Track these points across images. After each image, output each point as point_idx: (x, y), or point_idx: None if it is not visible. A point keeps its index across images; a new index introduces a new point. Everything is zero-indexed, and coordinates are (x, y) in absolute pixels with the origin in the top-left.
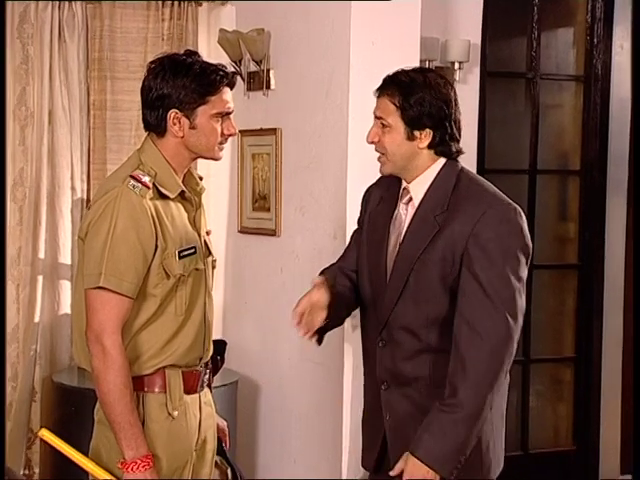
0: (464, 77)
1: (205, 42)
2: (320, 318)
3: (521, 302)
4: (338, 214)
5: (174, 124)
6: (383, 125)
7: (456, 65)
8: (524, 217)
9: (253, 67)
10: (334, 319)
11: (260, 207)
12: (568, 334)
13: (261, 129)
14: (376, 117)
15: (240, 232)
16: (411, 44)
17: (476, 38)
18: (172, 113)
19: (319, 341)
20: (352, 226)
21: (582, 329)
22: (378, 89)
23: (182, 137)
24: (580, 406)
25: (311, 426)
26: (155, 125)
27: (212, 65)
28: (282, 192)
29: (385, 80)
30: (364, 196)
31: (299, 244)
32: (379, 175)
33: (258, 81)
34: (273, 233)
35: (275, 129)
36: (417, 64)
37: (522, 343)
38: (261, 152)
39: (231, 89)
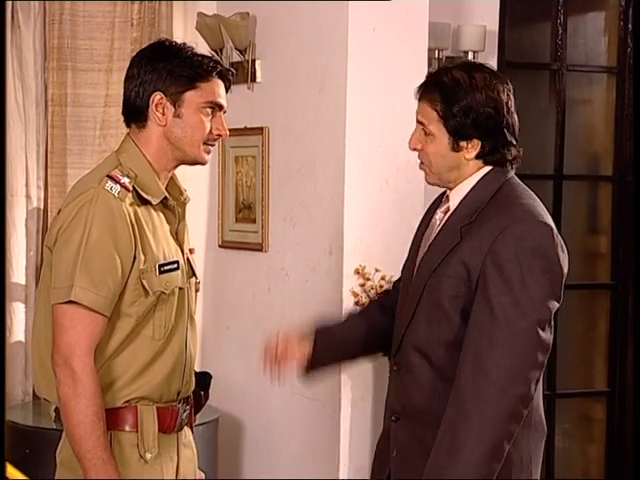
0: None
1: (181, 28)
2: (298, 353)
3: (545, 336)
4: (334, 226)
5: (157, 109)
6: (425, 132)
7: (470, 55)
8: (558, 237)
9: (236, 57)
10: (331, 354)
11: (244, 218)
12: (599, 364)
13: (245, 128)
14: (418, 122)
15: (221, 247)
16: (418, 30)
17: (493, 24)
18: (156, 96)
19: (307, 373)
20: (350, 239)
21: (616, 359)
22: (418, 90)
23: (164, 126)
24: (613, 447)
25: (303, 470)
26: (136, 112)
27: (205, 55)
28: (269, 201)
29: (426, 80)
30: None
31: (289, 260)
32: (381, 181)
33: (242, 73)
34: (259, 248)
35: (261, 128)
36: (425, 53)
37: (547, 375)
38: (245, 154)
39: (225, 86)
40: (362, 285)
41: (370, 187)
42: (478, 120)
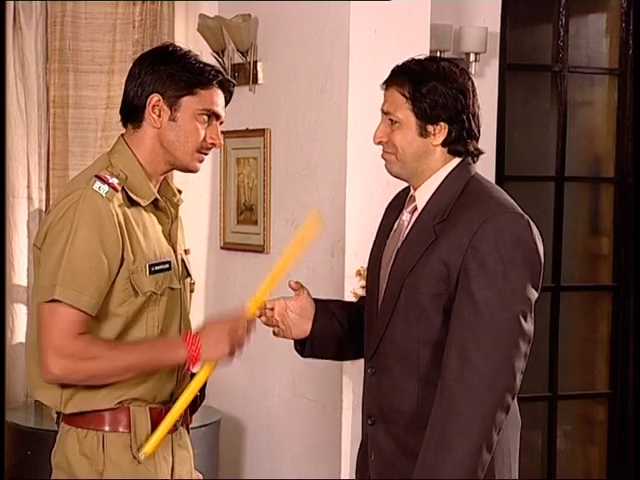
0: (481, 70)
1: (183, 30)
2: (302, 328)
3: (527, 327)
4: (336, 228)
5: (153, 111)
6: (392, 121)
7: (472, 56)
8: (534, 228)
9: (238, 58)
10: (323, 340)
11: (246, 220)
12: (601, 366)
13: (247, 130)
14: (384, 112)
15: (223, 248)
16: (419, 32)
17: (494, 25)
18: (153, 97)
19: (300, 351)
20: (352, 241)
21: (617, 360)
22: (385, 81)
23: (159, 128)
24: (615, 449)
25: (304, 472)
26: (133, 112)
27: (208, 63)
28: (271, 202)
29: (393, 70)
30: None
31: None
32: (382, 183)
33: (244, 74)
34: (261, 249)
35: (263, 130)
36: (426, 55)
37: (548, 376)
38: (247, 156)
39: (225, 97)
40: (363, 287)
41: (371, 189)
42: (445, 102)
